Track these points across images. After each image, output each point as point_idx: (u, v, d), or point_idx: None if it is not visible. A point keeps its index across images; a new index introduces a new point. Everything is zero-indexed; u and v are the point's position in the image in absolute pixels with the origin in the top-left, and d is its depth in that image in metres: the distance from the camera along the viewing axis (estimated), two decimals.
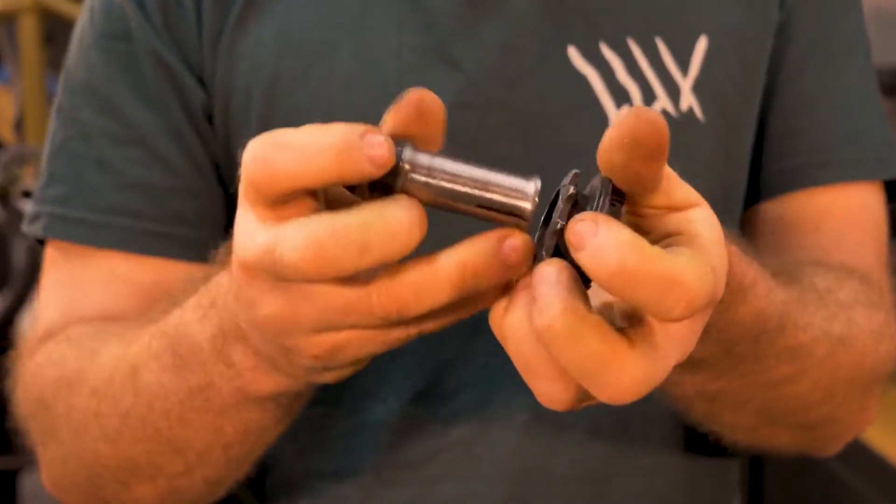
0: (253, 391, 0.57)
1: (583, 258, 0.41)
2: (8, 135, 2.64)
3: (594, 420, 0.75)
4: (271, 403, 0.59)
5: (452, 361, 0.74)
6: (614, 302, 0.47)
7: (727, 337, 0.59)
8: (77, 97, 0.76)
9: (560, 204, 0.45)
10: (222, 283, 0.54)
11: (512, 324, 0.45)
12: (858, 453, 1.46)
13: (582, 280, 0.43)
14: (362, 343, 0.48)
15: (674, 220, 0.46)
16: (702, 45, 0.75)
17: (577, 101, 0.73)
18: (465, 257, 0.45)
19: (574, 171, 0.46)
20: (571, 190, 0.45)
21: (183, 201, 0.74)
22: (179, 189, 0.74)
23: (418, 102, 0.45)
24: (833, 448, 0.78)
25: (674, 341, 0.44)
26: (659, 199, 0.46)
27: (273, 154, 0.43)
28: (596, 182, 0.45)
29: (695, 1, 0.76)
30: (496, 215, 0.45)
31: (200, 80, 0.74)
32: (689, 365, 0.58)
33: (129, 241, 0.74)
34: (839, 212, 0.79)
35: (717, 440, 0.75)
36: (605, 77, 0.73)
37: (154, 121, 0.74)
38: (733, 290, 0.55)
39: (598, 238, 0.40)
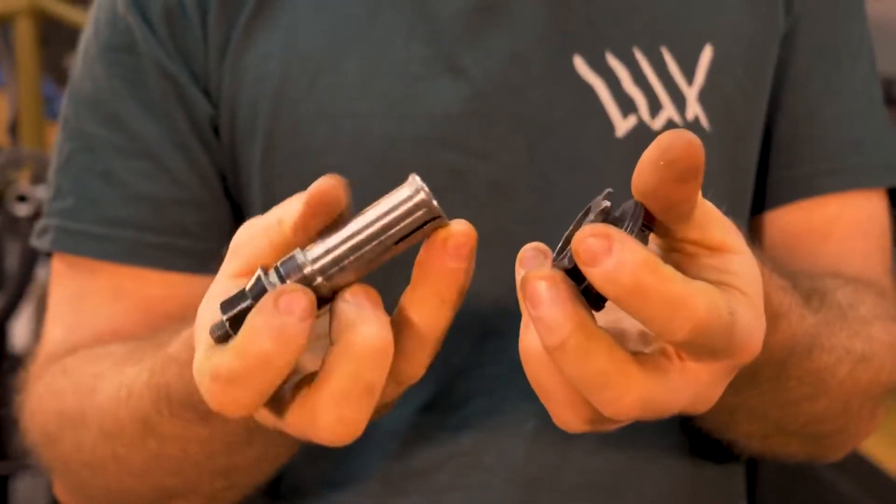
0: None
1: (595, 275, 0.41)
2: (2, 138, 2.63)
3: None
4: None
5: (461, 370, 0.74)
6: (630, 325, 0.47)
7: (755, 364, 0.59)
8: (82, 110, 0.76)
9: (591, 217, 0.45)
10: None
11: (526, 346, 0.45)
12: (851, 461, 1.46)
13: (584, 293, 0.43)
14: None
15: (712, 268, 0.45)
16: (707, 53, 0.75)
17: (583, 110, 0.73)
18: (436, 292, 0.45)
19: (607, 190, 0.46)
20: (606, 204, 0.45)
21: (188, 213, 0.74)
22: (185, 201, 0.74)
23: (320, 199, 0.45)
24: (838, 455, 0.79)
25: (687, 377, 0.44)
26: (693, 232, 0.45)
27: (234, 394, 0.43)
28: (628, 206, 0.44)
29: (700, 10, 0.76)
30: (417, 235, 0.45)
31: (206, 92, 0.74)
32: None
33: (135, 253, 0.74)
34: (847, 221, 0.79)
35: (726, 446, 0.75)
36: (610, 86, 0.73)
37: (159, 133, 0.74)
38: (768, 319, 0.54)
39: (613, 256, 0.40)
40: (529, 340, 0.45)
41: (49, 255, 0.78)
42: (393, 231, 0.44)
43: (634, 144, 0.74)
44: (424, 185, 0.44)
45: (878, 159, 0.80)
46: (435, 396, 0.74)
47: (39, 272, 2.25)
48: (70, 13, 2.30)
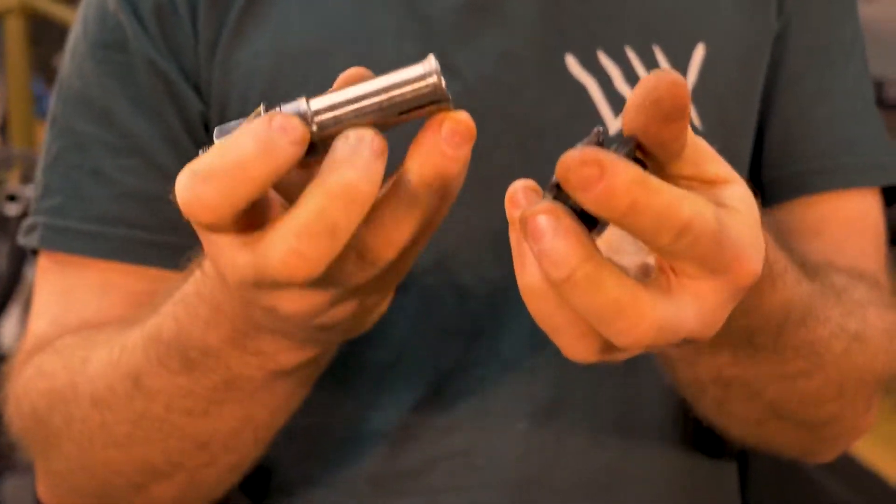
0: (285, 365, 0.57)
1: (589, 200, 0.40)
2: None
3: (595, 428, 0.75)
4: (301, 370, 0.59)
5: (451, 371, 0.73)
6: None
7: (752, 323, 0.58)
8: (71, 108, 0.75)
9: (584, 141, 0.45)
10: (216, 290, 0.54)
11: (527, 284, 0.45)
12: (842, 463, 1.46)
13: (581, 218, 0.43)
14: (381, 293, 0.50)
15: (709, 196, 0.45)
16: (699, 52, 0.75)
17: (576, 109, 0.73)
18: (419, 171, 0.45)
19: (598, 128, 0.46)
20: (598, 128, 0.45)
21: (178, 210, 0.74)
22: None
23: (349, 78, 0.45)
24: (831, 453, 0.78)
25: (690, 294, 0.44)
26: (686, 168, 0.46)
27: (203, 191, 0.43)
28: (618, 134, 0.45)
29: (692, 9, 0.76)
30: (418, 112, 0.45)
31: (197, 89, 0.74)
32: (708, 346, 0.58)
33: (125, 250, 0.73)
34: (840, 219, 0.79)
35: (721, 436, 0.75)
36: (602, 85, 0.73)
37: (150, 130, 0.73)
38: (764, 276, 0.55)
39: (604, 181, 0.40)
40: (529, 277, 0.45)
41: (35, 252, 0.78)
42: (398, 101, 0.45)
43: None
44: (439, 67, 0.45)
45: (871, 159, 0.80)
46: (425, 397, 0.74)
47: (28, 272, 2.25)
48: (60, 11, 2.29)
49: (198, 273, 0.56)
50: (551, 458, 0.74)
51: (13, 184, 2.06)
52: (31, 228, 0.76)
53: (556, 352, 0.73)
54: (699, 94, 0.75)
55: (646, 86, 0.42)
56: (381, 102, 0.45)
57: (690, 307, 0.44)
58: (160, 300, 0.62)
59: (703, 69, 0.75)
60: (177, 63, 0.73)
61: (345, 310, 0.50)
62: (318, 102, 0.45)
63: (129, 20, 0.74)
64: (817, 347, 0.65)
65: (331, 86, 0.72)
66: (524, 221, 0.43)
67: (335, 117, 0.45)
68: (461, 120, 0.45)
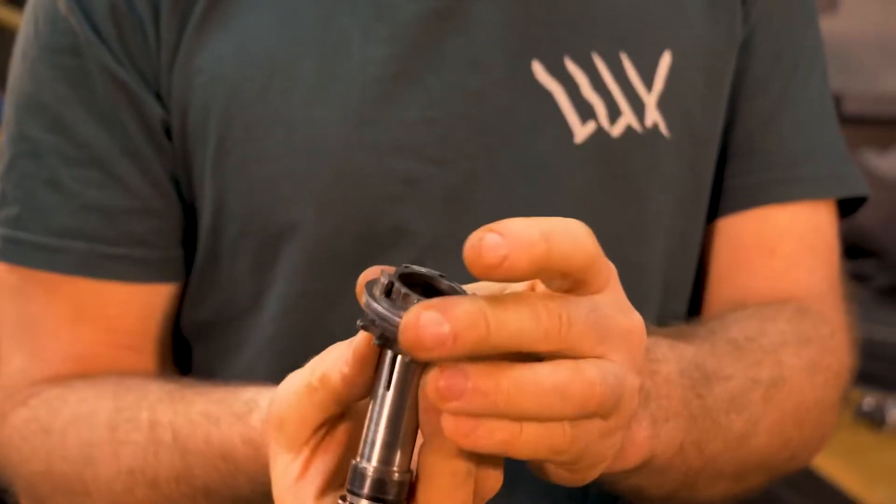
0: None
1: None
2: None
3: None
4: None
5: None
6: None
7: (664, 405, 0.58)
8: (24, 113, 0.73)
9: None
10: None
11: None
12: (801, 476, 1.47)
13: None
14: None
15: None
16: (666, 60, 0.75)
17: (542, 116, 0.73)
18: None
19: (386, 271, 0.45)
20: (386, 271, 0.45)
21: (141, 222, 0.73)
22: (137, 209, 0.72)
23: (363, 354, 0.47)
24: (791, 472, 0.78)
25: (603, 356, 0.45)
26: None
27: None
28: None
29: (659, 16, 0.76)
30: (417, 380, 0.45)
31: (157, 95, 0.72)
32: (658, 466, 0.58)
33: (88, 265, 0.72)
34: (796, 234, 0.79)
35: None
36: (569, 92, 0.73)
37: (109, 140, 0.72)
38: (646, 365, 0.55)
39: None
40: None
41: None
42: (403, 386, 0.45)
43: (593, 151, 0.73)
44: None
45: (831, 169, 0.81)
46: None
47: None
48: (13, 18, 2.26)
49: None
50: (516, 471, 0.72)
51: None
52: None
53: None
54: (666, 101, 0.75)
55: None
56: (399, 406, 0.45)
57: (615, 356, 0.45)
58: (161, 412, 0.64)
59: (669, 76, 0.75)
60: (135, 68, 0.71)
61: None
62: (366, 452, 0.45)
63: (80, 24, 0.71)
64: (739, 401, 0.65)
65: (295, 93, 0.71)
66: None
67: (386, 444, 0.45)
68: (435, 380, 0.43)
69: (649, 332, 0.50)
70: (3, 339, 0.75)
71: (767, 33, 0.79)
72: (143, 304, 0.73)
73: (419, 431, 0.45)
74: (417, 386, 0.45)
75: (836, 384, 0.75)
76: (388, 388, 0.45)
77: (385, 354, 0.45)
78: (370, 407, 0.45)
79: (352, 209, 0.71)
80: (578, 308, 0.44)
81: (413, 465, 0.46)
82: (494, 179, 0.72)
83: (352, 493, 0.45)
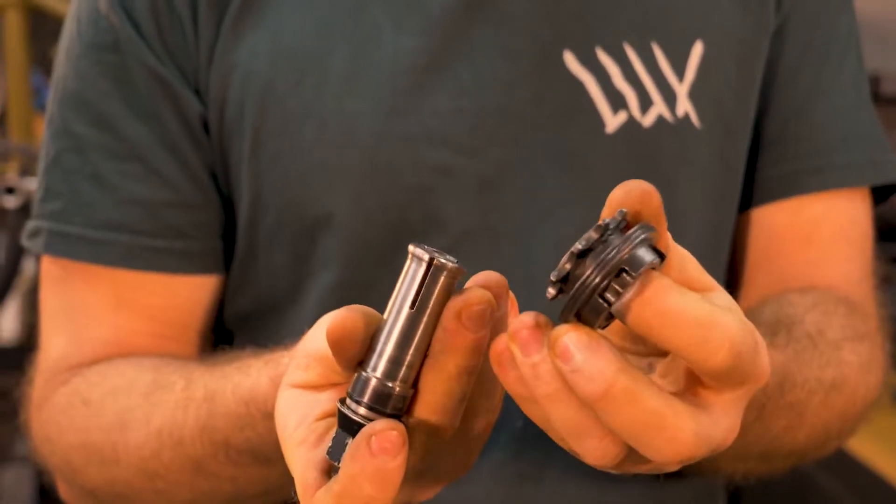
0: None
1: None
2: None
3: None
4: None
5: None
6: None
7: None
8: (68, 109, 0.75)
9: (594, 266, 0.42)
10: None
11: (550, 394, 0.43)
12: (836, 458, 1.47)
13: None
14: None
15: None
16: (697, 50, 0.75)
17: (573, 105, 0.73)
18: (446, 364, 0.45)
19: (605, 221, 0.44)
20: (605, 222, 0.43)
21: (180, 215, 0.74)
22: (177, 203, 0.74)
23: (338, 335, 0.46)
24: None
25: (721, 406, 0.44)
26: (672, 273, 0.44)
27: None
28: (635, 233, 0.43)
29: (690, 6, 0.76)
30: (444, 294, 0.45)
31: (196, 91, 0.73)
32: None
33: (131, 257, 0.73)
34: (831, 223, 0.79)
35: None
36: (601, 82, 0.73)
37: (149, 135, 0.73)
38: None
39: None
40: (552, 388, 0.43)
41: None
42: (425, 305, 0.45)
43: (624, 140, 0.74)
44: (426, 250, 0.45)
45: (865, 156, 0.80)
46: None
47: (27, 265, 2.25)
48: (59, 5, 2.29)
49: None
50: (546, 455, 0.74)
51: (11, 176, 2.06)
52: (35, 232, 0.76)
53: None
54: (698, 91, 0.75)
55: (616, 198, 0.43)
56: (415, 318, 0.45)
57: (724, 419, 0.44)
58: (197, 376, 0.64)
59: (701, 66, 0.75)
60: (174, 64, 0.73)
61: None
62: (372, 362, 0.46)
63: (121, 21, 0.73)
64: (797, 408, 0.67)
65: (327, 86, 0.72)
66: (552, 344, 0.42)
67: (393, 360, 0.46)
68: (478, 299, 0.44)
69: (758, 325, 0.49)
70: (45, 326, 0.77)
71: (800, 22, 0.79)
72: (184, 295, 0.74)
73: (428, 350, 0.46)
74: (442, 306, 0.45)
75: (883, 379, 0.76)
76: (412, 306, 0.45)
77: (416, 273, 0.45)
78: (386, 320, 0.46)
79: (385, 200, 0.72)
80: None
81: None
82: (525, 169, 0.73)
83: (352, 398, 0.46)
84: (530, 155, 0.73)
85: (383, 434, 0.43)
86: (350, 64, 0.72)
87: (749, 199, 0.81)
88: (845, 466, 1.46)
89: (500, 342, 0.43)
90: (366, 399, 0.46)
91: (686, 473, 0.72)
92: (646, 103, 0.74)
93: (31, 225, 0.77)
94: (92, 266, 0.74)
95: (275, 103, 0.72)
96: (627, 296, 0.41)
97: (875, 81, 1.69)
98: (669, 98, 0.74)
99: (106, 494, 0.71)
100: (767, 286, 0.80)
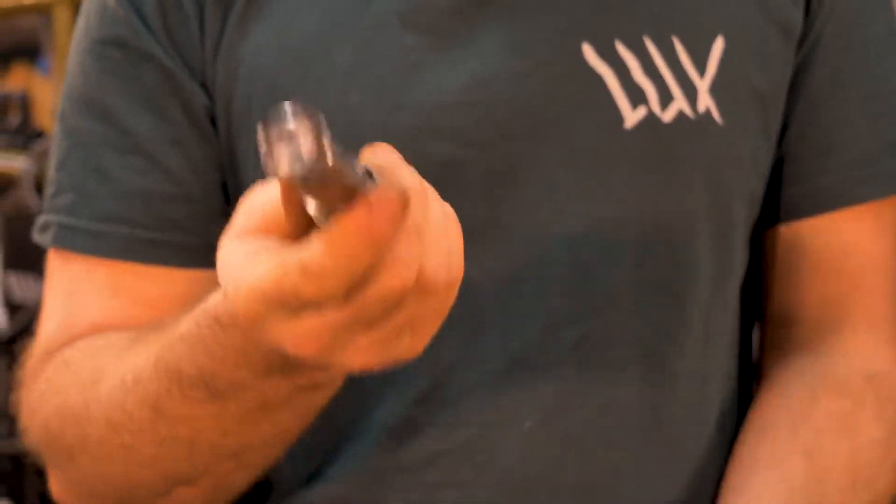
0: (322, 380, 0.61)
1: None
2: (49, 125, 2.67)
3: (602, 428, 0.74)
4: (337, 379, 0.62)
5: (454, 365, 0.73)
6: None
7: None
8: (76, 105, 0.76)
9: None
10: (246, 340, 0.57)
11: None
12: None
13: None
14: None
15: None
16: (719, 45, 0.74)
17: (591, 99, 0.72)
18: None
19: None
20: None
21: (181, 208, 0.74)
22: (178, 196, 0.74)
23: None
24: None
25: None
26: None
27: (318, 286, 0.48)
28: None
29: (711, 1, 0.74)
30: None
31: (203, 85, 0.74)
32: None
33: (129, 250, 0.74)
34: (862, 251, 0.78)
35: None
36: (620, 76, 0.72)
37: (153, 127, 0.74)
38: None
39: None
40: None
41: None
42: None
43: (643, 136, 0.72)
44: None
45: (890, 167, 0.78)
46: (428, 390, 0.73)
47: None
48: None
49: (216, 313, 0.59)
50: (556, 459, 0.73)
51: None
52: (45, 227, 0.77)
53: (568, 349, 0.72)
54: (719, 87, 0.74)
55: None
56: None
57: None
58: (168, 323, 0.64)
59: (722, 62, 0.74)
60: (181, 58, 0.73)
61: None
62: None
63: (128, 15, 0.73)
64: None
65: (330, 81, 0.71)
66: None
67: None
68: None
69: None
70: (43, 315, 0.78)
71: (833, 24, 0.77)
72: (183, 290, 0.74)
73: None
74: None
75: None
76: None
77: None
78: None
79: None
80: None
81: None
82: (537, 163, 0.72)
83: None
84: (543, 149, 0.72)
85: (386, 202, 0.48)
86: (353, 59, 0.72)
87: (774, 215, 0.79)
88: None
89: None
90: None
91: None
92: (666, 99, 0.73)
93: (41, 220, 0.78)
94: (91, 257, 0.75)
95: (280, 98, 0.71)
96: None
97: None
98: (690, 93, 0.73)
99: (80, 458, 0.70)
100: (783, 312, 0.79)
